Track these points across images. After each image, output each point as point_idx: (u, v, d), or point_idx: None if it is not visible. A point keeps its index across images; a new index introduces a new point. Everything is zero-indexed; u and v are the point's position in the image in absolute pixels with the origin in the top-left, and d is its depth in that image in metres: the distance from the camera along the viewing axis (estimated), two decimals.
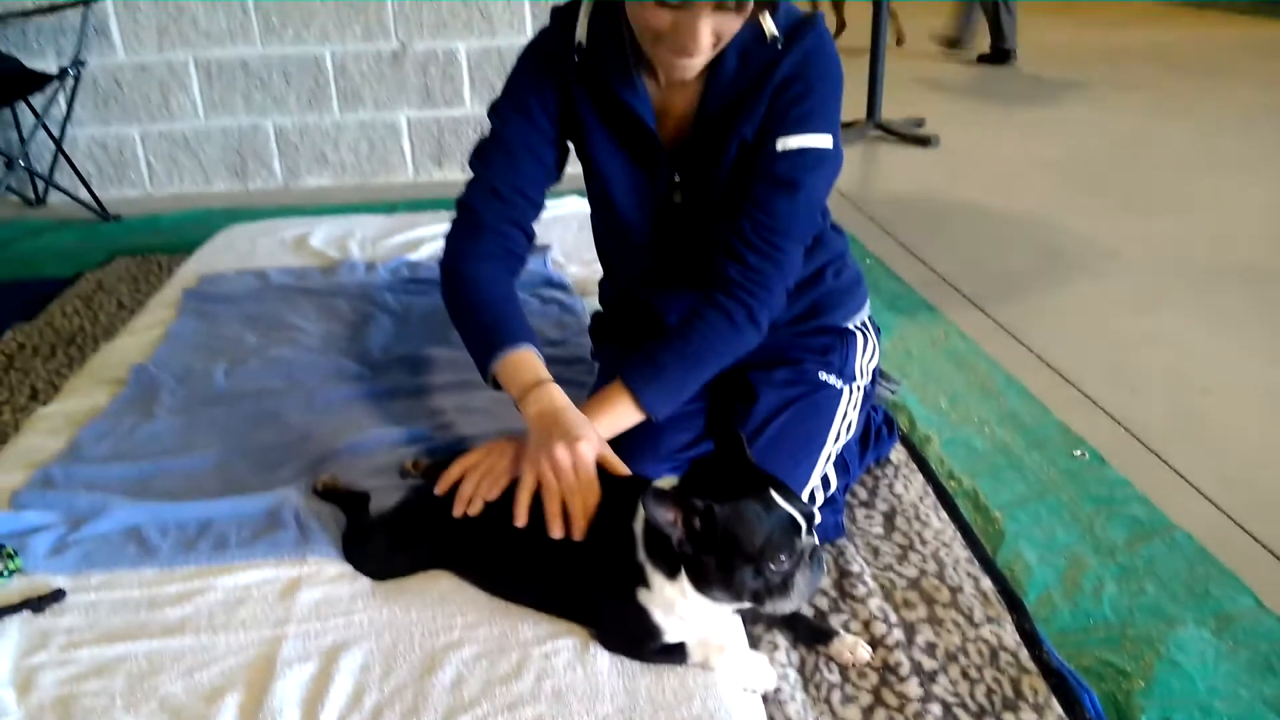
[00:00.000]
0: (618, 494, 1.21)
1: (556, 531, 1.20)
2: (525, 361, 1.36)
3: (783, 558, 1.08)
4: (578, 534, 1.20)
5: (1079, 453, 1.78)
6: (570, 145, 1.49)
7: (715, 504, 1.07)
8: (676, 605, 1.12)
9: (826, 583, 1.40)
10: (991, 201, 3.32)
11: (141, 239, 3.09)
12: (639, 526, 1.15)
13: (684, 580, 1.11)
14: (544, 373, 1.36)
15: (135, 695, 1.12)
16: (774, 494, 1.09)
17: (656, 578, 1.13)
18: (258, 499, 1.44)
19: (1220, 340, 2.24)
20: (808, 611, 1.34)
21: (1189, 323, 2.34)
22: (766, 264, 1.37)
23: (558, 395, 1.33)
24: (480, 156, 1.46)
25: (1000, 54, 5.95)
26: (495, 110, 1.46)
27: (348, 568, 1.32)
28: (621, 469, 1.28)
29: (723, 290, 1.37)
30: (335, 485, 1.48)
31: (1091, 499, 1.64)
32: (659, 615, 1.13)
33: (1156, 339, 2.26)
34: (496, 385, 1.39)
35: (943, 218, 3.20)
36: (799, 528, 1.09)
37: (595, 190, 1.51)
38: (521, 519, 1.23)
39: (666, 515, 1.07)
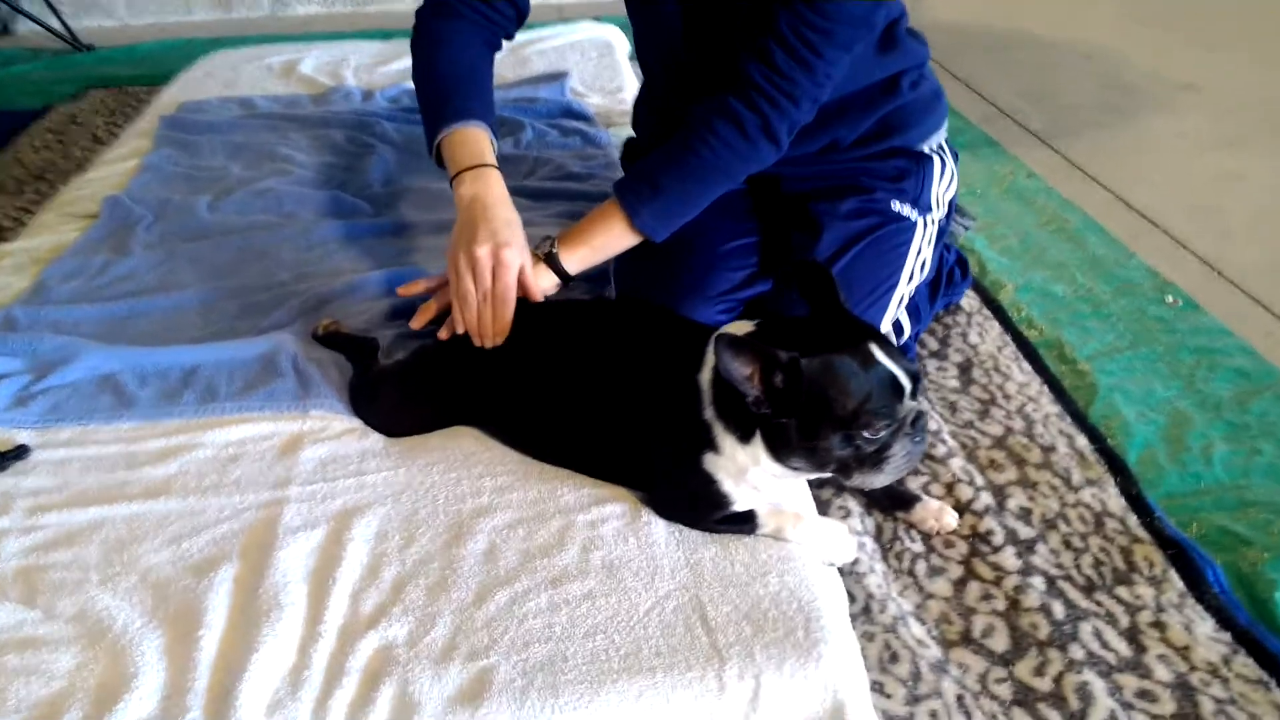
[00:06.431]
0: (680, 340, 1.01)
1: (485, 343, 1.13)
2: (472, 139, 1.24)
3: (880, 425, 0.89)
4: (487, 343, 1.13)
5: (1170, 299, 1.58)
6: None
7: (802, 356, 0.88)
8: (749, 472, 0.95)
9: None
10: (1051, 33, 3.02)
11: (117, 70, 2.85)
12: (705, 379, 0.96)
13: (758, 444, 0.93)
14: (489, 156, 1.24)
15: (113, 567, 0.96)
16: (873, 348, 0.90)
17: (726, 441, 0.95)
18: (249, 344, 1.26)
19: None
20: None
21: (1279, 160, 2.11)
22: (797, 69, 1.13)
23: (496, 183, 1.20)
24: None
25: None
26: None
27: (356, 422, 1.16)
28: (537, 295, 1.17)
29: (738, 94, 1.15)
30: (339, 330, 1.30)
31: (1189, 350, 1.46)
32: (728, 483, 0.96)
33: (1244, 177, 2.03)
34: (441, 163, 1.26)
35: (1000, 49, 2.91)
36: (902, 390, 0.90)
37: None
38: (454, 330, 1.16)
39: (743, 369, 0.88)
